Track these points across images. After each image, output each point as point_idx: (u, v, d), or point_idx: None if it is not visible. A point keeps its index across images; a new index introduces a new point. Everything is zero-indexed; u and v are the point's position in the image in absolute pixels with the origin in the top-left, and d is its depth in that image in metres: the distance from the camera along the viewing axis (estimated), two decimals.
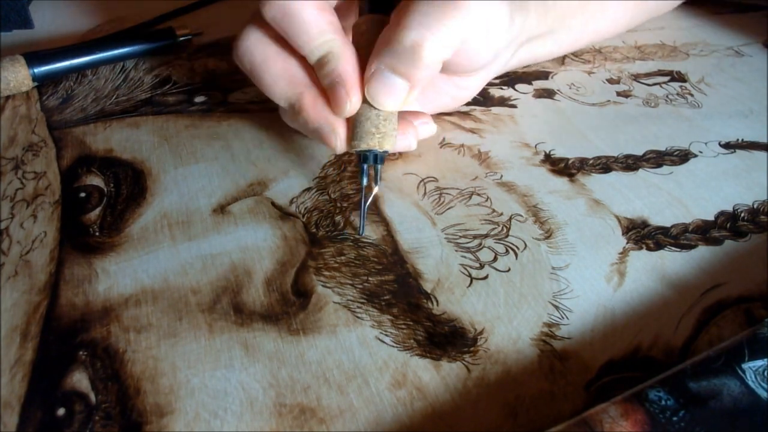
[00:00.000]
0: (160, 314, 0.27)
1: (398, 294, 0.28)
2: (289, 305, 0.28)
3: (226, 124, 0.39)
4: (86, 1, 0.53)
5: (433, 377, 0.25)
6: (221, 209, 0.32)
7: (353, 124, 0.30)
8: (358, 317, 0.27)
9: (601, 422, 0.22)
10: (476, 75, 0.36)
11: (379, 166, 0.31)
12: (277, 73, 0.30)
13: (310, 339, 0.26)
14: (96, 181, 0.34)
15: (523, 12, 0.35)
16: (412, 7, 0.28)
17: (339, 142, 0.30)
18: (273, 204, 0.33)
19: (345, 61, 0.29)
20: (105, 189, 0.34)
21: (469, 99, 0.39)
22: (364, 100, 0.29)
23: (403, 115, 0.33)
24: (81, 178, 0.34)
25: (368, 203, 0.31)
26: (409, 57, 0.27)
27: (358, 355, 0.26)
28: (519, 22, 0.35)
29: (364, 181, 0.31)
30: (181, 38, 0.45)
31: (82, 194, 0.33)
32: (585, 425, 0.22)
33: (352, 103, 0.29)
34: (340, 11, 0.31)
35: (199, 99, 0.41)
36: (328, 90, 0.29)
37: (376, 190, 0.31)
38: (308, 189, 0.34)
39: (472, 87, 0.38)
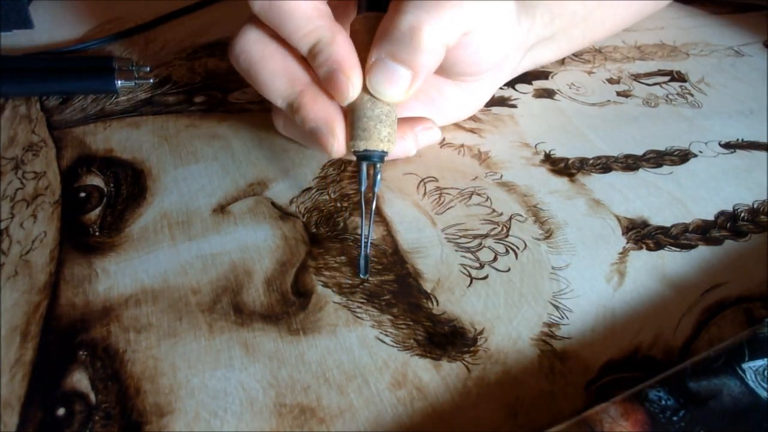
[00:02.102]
0: (160, 314, 0.27)
1: (398, 294, 0.28)
2: (289, 305, 0.28)
3: (226, 124, 0.39)
4: (86, 1, 0.53)
5: (433, 377, 0.25)
6: (221, 209, 0.32)
7: (351, 124, 0.28)
8: (358, 317, 0.27)
9: (601, 422, 0.22)
10: (485, 79, 0.35)
11: (378, 169, 0.29)
12: (275, 70, 0.29)
13: (310, 339, 0.26)
14: (96, 181, 0.34)
15: (530, 16, 0.35)
16: None
17: (337, 144, 0.28)
18: (273, 204, 0.33)
19: (338, 45, 0.27)
20: (105, 189, 0.34)
21: (480, 107, 0.38)
22: (363, 95, 0.28)
23: (405, 120, 0.32)
24: (81, 178, 0.34)
25: (373, 209, 0.30)
26: (407, 42, 0.26)
27: (358, 355, 0.26)
28: (526, 26, 0.34)
29: (363, 186, 0.30)
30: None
31: (82, 194, 0.33)
32: (585, 425, 0.22)
33: (354, 87, 0.28)
34: (337, 11, 0.30)
35: (199, 99, 0.41)
36: (325, 80, 0.28)
37: (376, 192, 0.30)
38: (308, 189, 0.34)
39: (482, 93, 0.37)
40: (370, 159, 0.29)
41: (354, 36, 0.29)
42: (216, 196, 0.33)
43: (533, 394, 0.25)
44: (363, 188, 0.30)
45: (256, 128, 0.38)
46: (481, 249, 0.31)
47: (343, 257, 0.30)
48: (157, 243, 0.30)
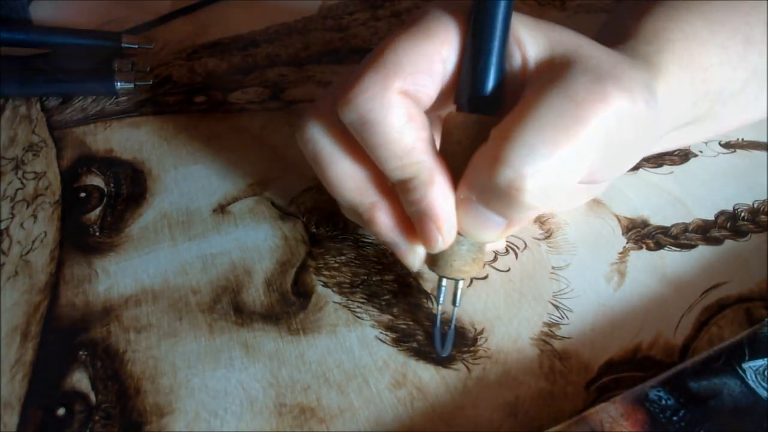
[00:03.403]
0: (160, 314, 0.27)
1: (398, 294, 0.28)
2: (289, 305, 0.28)
3: (226, 124, 0.39)
4: (86, 1, 0.53)
5: (433, 377, 0.25)
6: (221, 209, 0.32)
7: None
8: (358, 317, 0.27)
9: (601, 422, 0.22)
10: None
11: (460, 287, 0.26)
12: (344, 173, 0.24)
13: (310, 339, 0.26)
14: (96, 181, 0.34)
15: (670, 107, 0.26)
16: (515, 127, 0.21)
17: (417, 260, 0.25)
18: (273, 204, 0.33)
19: (436, 191, 0.22)
20: (105, 189, 0.34)
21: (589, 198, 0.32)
22: None
23: None
24: (81, 178, 0.34)
25: (451, 326, 0.27)
26: (504, 198, 0.21)
27: (358, 355, 0.26)
28: (666, 120, 0.27)
29: (441, 300, 0.26)
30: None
31: (83, 194, 0.33)
32: (585, 425, 0.22)
33: (444, 241, 0.23)
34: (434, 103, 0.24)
35: (199, 99, 0.41)
36: (413, 218, 0.24)
37: (455, 312, 0.27)
38: (308, 189, 0.34)
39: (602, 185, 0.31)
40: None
41: (446, 137, 0.24)
42: (216, 196, 0.33)
43: (533, 394, 0.25)
44: (441, 302, 0.26)
45: (256, 128, 0.38)
46: None
47: (342, 257, 0.30)
48: (158, 243, 0.30)
